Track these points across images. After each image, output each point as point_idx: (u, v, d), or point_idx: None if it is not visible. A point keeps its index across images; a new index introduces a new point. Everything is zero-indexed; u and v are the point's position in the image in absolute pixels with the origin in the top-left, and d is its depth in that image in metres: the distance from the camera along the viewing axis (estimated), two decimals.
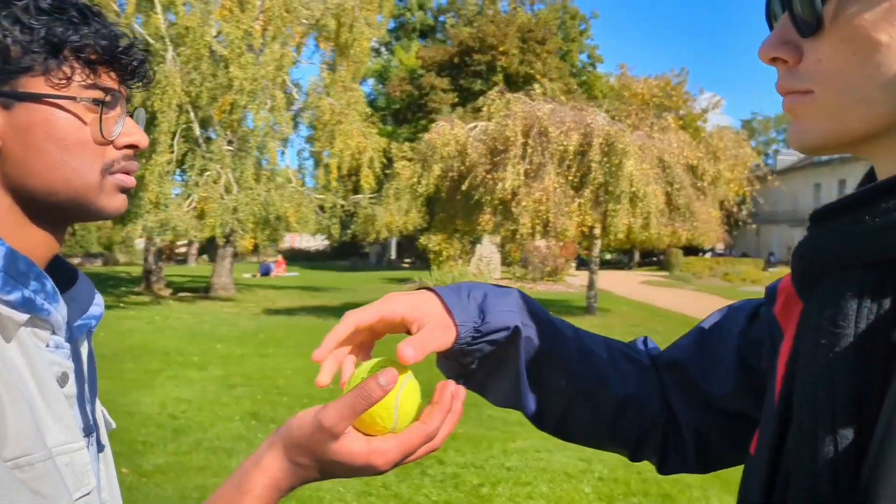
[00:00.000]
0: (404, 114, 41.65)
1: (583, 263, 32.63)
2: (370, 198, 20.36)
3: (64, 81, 0.77)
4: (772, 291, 0.83)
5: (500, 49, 37.56)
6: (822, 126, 0.58)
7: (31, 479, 0.66)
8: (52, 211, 0.80)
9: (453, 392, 0.74)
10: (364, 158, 19.55)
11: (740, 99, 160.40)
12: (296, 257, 47.98)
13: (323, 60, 20.68)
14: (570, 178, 12.84)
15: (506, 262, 29.12)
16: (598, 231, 13.49)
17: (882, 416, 0.50)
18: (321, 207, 20.01)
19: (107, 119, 0.80)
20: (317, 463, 0.70)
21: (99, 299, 0.92)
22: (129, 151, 0.84)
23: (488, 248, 26.09)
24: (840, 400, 0.53)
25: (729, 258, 41.09)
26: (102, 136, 0.80)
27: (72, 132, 0.78)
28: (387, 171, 20.84)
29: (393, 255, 45.93)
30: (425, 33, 49.02)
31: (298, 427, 0.70)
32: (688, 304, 19.44)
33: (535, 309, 0.92)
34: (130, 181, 0.85)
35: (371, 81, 45.12)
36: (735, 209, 15.64)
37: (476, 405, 7.07)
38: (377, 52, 41.59)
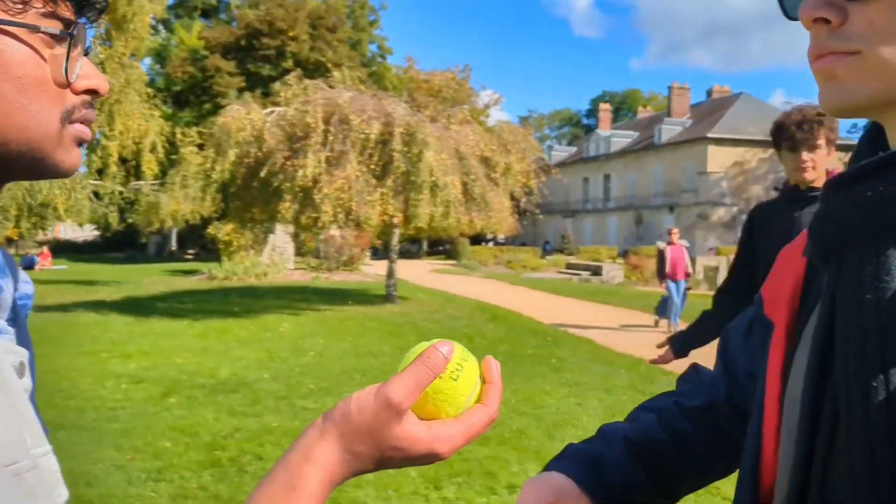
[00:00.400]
0: (186, 96, 39.44)
1: (375, 253, 32.93)
2: (153, 185, 19.03)
3: (20, 6, 0.61)
4: (757, 300, 0.91)
5: (290, 34, 36.75)
6: (869, 86, 0.60)
7: (24, 494, 0.52)
8: (4, 167, 0.64)
9: (496, 367, 0.69)
10: (146, 142, 18.23)
11: (517, 97, 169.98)
12: (61, 249, 43.76)
13: (96, 34, 18.96)
14: (373, 166, 12.83)
15: (300, 252, 28.58)
16: (397, 220, 13.65)
17: None
18: (96, 194, 18.39)
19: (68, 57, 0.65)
20: (376, 451, 0.61)
21: (25, 276, 0.75)
22: (88, 98, 0.69)
23: (282, 238, 25.45)
24: (891, 346, 0.56)
25: (511, 247, 43.52)
26: (66, 77, 0.65)
27: (31, 69, 0.63)
28: (171, 157, 19.60)
29: (174, 245, 43.38)
30: (207, 13, 46.70)
31: (359, 410, 0.61)
32: (479, 289, 20.36)
33: (645, 443, 0.97)
34: (88, 133, 0.70)
35: (148, 61, 42.11)
36: (524, 200, 16.55)
37: (287, 397, 6.93)
38: (155, 29, 38.91)
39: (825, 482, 0.62)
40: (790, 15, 0.68)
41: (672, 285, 12.41)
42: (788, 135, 2.83)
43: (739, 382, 0.97)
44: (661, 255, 12.73)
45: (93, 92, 0.69)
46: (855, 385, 0.59)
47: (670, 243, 12.72)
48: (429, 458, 0.62)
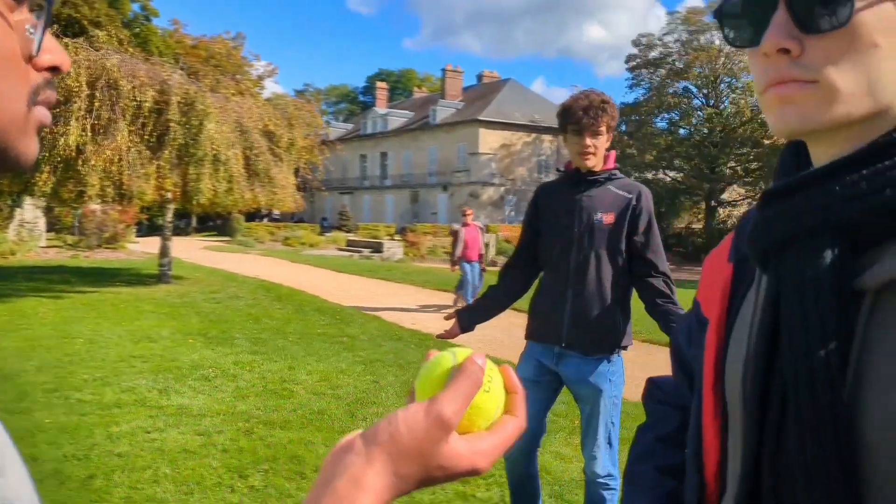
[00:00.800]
0: None
1: (140, 229, 30.61)
2: None
3: None
4: (695, 304, 1.00)
5: None
6: (822, 112, 0.68)
7: None
8: None
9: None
10: None
11: (292, 70, 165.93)
12: None
13: None
14: (147, 137, 11.85)
15: (54, 228, 25.79)
16: (173, 195, 12.79)
17: (856, 338, 0.65)
18: None
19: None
20: (423, 471, 0.57)
21: None
22: (49, 76, 0.57)
23: (31, 213, 22.81)
24: (828, 330, 0.66)
25: (288, 224, 42.70)
26: (35, 51, 0.54)
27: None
28: None
29: None
30: None
31: (409, 430, 0.56)
32: (259, 268, 19.75)
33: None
34: (50, 118, 0.58)
35: None
36: (309, 176, 16.28)
37: (57, 390, 6.28)
38: None
39: (778, 456, 0.70)
40: (734, 44, 0.75)
41: (466, 266, 12.32)
42: (575, 119, 2.89)
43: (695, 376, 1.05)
44: (455, 236, 12.48)
45: (55, 69, 0.57)
46: (802, 370, 0.67)
47: (465, 224, 12.48)
48: (469, 474, 0.60)
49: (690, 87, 41.81)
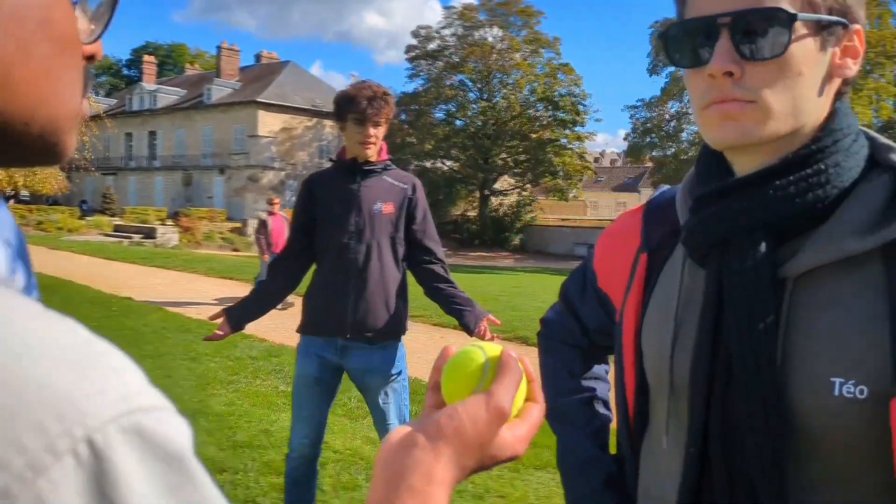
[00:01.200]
0: None
1: None
2: None
3: None
4: (591, 272, 1.17)
5: None
6: (759, 128, 0.83)
7: None
8: (9, 150, 0.49)
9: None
10: None
11: None
12: None
13: None
14: None
15: None
16: None
17: (781, 320, 0.83)
18: None
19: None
20: (479, 462, 0.62)
21: None
22: (87, 64, 0.55)
23: None
24: (764, 310, 0.83)
25: (42, 207, 38.54)
26: (95, 37, 0.52)
27: (68, 27, 0.48)
28: None
29: None
30: None
31: (473, 424, 0.61)
32: None
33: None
34: (88, 111, 0.56)
35: None
36: (76, 154, 14.84)
37: None
38: None
39: (726, 420, 0.85)
40: (678, 64, 0.89)
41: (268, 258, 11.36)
42: (360, 109, 2.86)
43: (588, 328, 1.22)
44: (262, 225, 11.71)
45: (91, 58, 0.55)
46: (746, 347, 0.82)
47: (271, 213, 11.73)
48: (510, 460, 0.65)
49: (466, 80, 43.70)
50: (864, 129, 0.90)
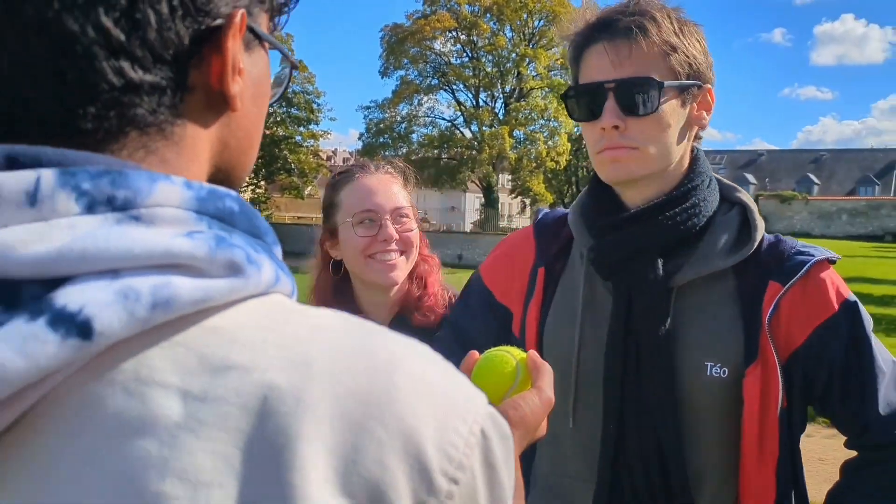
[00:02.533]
0: None
1: None
2: None
3: (278, 20, 0.54)
4: (482, 285, 1.34)
5: None
6: (640, 168, 1.09)
7: None
8: None
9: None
10: None
11: None
12: None
13: None
14: None
15: None
16: None
17: (670, 319, 1.09)
18: None
19: None
20: (530, 441, 0.77)
21: None
22: None
23: None
24: (663, 312, 1.09)
25: None
26: (276, 99, 0.58)
27: (267, 83, 0.55)
28: None
29: None
30: None
31: (532, 413, 0.75)
32: None
33: None
34: None
35: None
36: None
37: None
38: None
39: (639, 409, 1.07)
40: (577, 119, 1.14)
41: None
42: None
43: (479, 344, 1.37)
44: None
45: None
46: (652, 340, 1.07)
47: None
48: (542, 438, 0.81)
49: None
50: (712, 172, 1.19)
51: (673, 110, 1.08)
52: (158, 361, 0.40)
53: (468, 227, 48.22)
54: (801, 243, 1.13)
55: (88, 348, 0.37)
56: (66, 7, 0.41)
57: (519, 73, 41.61)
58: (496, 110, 42.83)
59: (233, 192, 0.47)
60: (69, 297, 0.37)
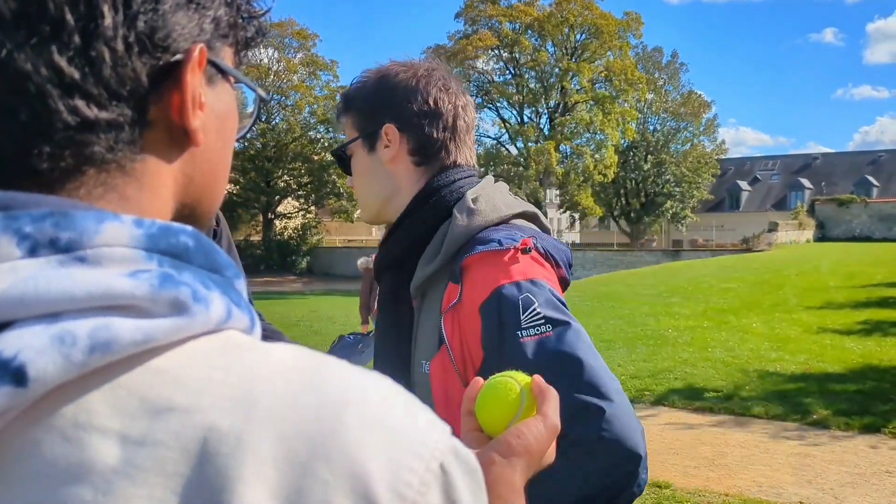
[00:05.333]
0: None
1: None
2: None
3: (244, 57, 0.54)
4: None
5: None
6: (363, 212, 1.40)
7: None
8: None
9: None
10: None
11: None
12: None
13: None
14: None
15: None
16: None
17: (414, 322, 1.29)
18: None
19: None
20: (537, 470, 0.75)
21: None
22: None
23: None
24: (410, 310, 1.29)
25: None
26: (243, 135, 0.58)
27: (235, 125, 0.55)
28: None
29: None
30: None
31: (537, 441, 0.73)
32: None
33: None
34: None
35: None
36: None
37: None
38: None
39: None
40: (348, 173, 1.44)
41: None
42: None
43: None
44: None
45: None
46: (404, 334, 1.31)
47: None
48: (550, 466, 0.78)
49: None
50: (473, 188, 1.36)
51: (362, 162, 1.36)
52: (98, 405, 0.39)
53: None
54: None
55: (24, 395, 0.36)
56: (18, 45, 0.41)
57: (562, 87, 41.48)
58: (541, 126, 42.79)
59: (188, 228, 0.45)
60: (5, 343, 0.37)
